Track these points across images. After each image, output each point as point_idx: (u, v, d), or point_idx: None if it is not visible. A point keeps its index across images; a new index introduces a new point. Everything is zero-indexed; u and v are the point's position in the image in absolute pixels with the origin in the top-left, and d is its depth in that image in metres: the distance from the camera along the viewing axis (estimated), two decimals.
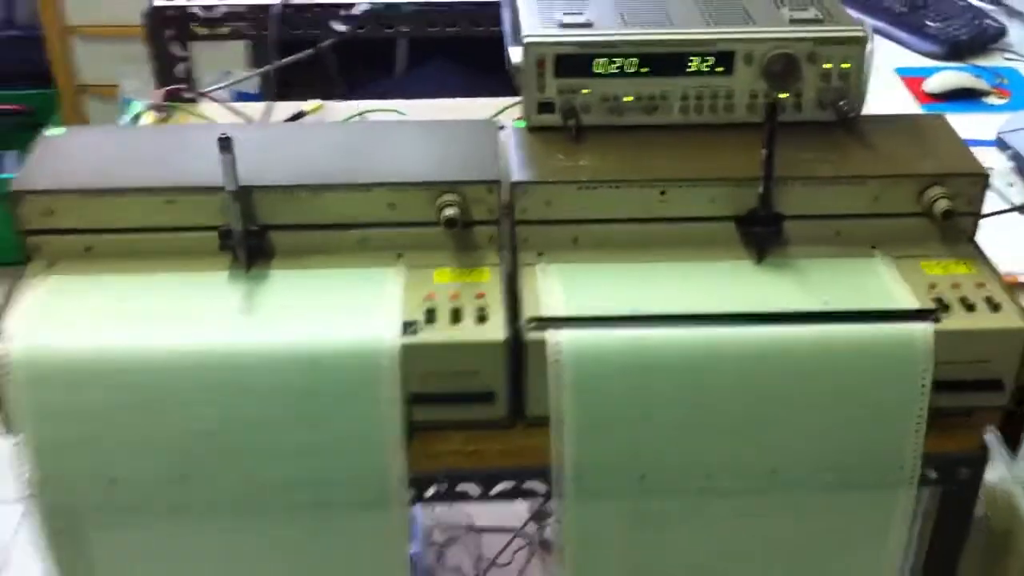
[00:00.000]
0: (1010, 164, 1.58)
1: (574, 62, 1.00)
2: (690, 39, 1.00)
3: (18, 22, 3.35)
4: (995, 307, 0.91)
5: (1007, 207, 1.50)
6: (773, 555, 1.01)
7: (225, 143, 0.91)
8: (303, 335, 0.89)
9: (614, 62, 0.99)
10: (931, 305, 0.91)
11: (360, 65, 2.45)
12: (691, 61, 1.00)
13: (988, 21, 2.04)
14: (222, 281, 0.95)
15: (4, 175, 3.00)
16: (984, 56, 1.98)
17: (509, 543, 1.60)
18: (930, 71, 1.87)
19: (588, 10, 1.03)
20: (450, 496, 0.96)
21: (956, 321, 0.90)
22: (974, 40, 1.99)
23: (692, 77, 1.00)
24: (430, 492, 0.96)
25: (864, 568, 1.01)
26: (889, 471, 0.93)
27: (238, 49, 2.41)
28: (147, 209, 0.96)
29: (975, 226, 0.99)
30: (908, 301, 0.92)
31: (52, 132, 1.02)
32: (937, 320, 0.89)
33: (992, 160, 1.60)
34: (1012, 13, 2.08)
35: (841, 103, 1.01)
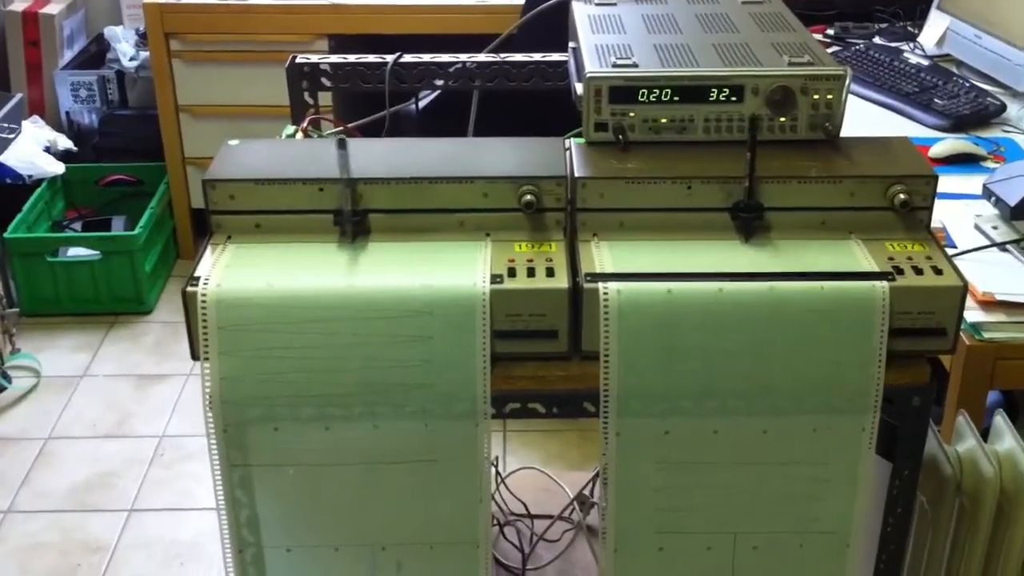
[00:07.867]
0: (994, 211, 1.85)
1: (624, 92, 1.30)
2: (711, 75, 1.30)
3: (131, 103, 3.74)
4: (939, 272, 1.19)
5: (988, 244, 1.81)
6: (771, 487, 1.26)
7: (342, 143, 1.22)
8: (422, 282, 1.19)
9: (654, 92, 1.30)
10: (889, 269, 1.19)
11: (436, 129, 2.83)
12: (712, 92, 1.30)
13: (989, 99, 2.32)
14: (357, 247, 1.26)
15: (114, 232, 3.36)
16: (985, 129, 2.26)
17: (554, 522, 1.88)
18: (935, 140, 2.16)
19: (635, 55, 1.34)
20: (523, 413, 1.24)
21: (907, 280, 1.18)
22: (976, 115, 2.27)
23: (712, 105, 1.30)
24: (507, 409, 1.25)
25: (841, 491, 1.26)
26: (858, 397, 1.19)
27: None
28: (302, 195, 1.27)
29: (930, 218, 1.26)
30: (872, 267, 1.20)
31: (231, 142, 1.35)
32: (892, 279, 1.18)
33: (981, 209, 1.88)
34: (1015, 94, 2.37)
35: (827, 125, 1.30)
